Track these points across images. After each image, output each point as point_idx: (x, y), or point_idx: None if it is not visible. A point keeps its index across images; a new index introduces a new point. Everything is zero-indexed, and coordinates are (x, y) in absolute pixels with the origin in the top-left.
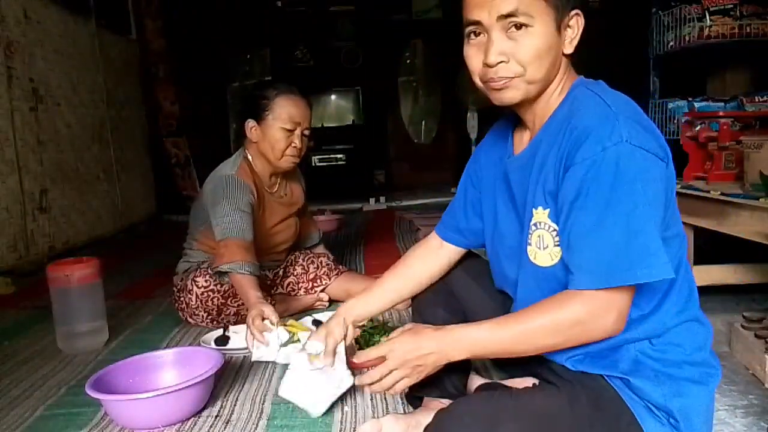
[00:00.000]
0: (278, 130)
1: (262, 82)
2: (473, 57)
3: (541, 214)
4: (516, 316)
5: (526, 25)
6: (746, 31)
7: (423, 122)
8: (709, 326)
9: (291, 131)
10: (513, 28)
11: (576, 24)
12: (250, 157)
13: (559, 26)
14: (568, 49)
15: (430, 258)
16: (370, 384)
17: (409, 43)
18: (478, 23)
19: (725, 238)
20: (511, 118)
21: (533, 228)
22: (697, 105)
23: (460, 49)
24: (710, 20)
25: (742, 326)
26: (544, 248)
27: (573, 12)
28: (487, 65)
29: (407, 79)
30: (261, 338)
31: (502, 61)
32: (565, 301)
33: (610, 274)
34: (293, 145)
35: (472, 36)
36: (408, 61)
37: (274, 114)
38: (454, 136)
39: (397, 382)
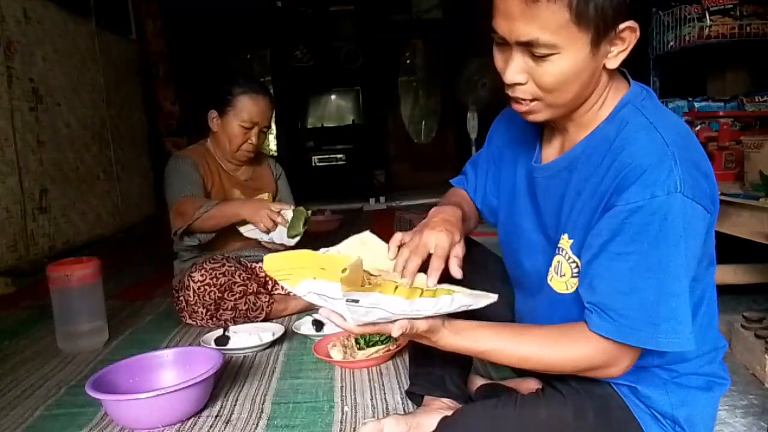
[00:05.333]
0: (237, 126)
1: (231, 75)
2: (498, 62)
3: (565, 242)
4: (535, 338)
5: (551, 54)
6: (746, 31)
7: (423, 122)
8: (724, 347)
9: (249, 129)
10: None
11: (628, 37)
12: (209, 143)
13: (598, 45)
14: (613, 64)
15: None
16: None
17: (409, 43)
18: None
19: (725, 238)
20: None
21: (555, 252)
22: (697, 105)
23: (460, 49)
24: (710, 20)
25: (742, 326)
26: (561, 275)
27: (624, 26)
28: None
29: (407, 79)
30: (280, 221)
31: (519, 83)
32: (583, 341)
33: (633, 332)
34: (249, 141)
35: (497, 39)
36: (408, 61)
37: (235, 110)
38: (454, 136)
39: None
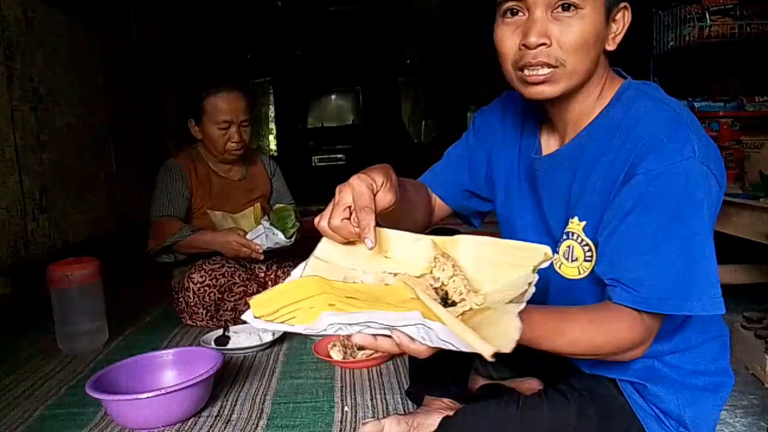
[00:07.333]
0: (214, 129)
1: (201, 81)
2: (508, 38)
3: (575, 225)
4: (575, 323)
5: (577, 7)
6: (746, 31)
7: (423, 122)
8: (728, 339)
9: (226, 128)
10: (560, 9)
11: (622, 18)
12: (200, 148)
13: (609, 16)
14: (611, 46)
15: (426, 203)
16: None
17: (409, 43)
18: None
19: (725, 237)
20: (536, 112)
21: (564, 237)
22: (697, 105)
23: (459, 48)
24: (710, 20)
25: (742, 326)
26: (572, 260)
27: (621, 5)
28: (525, 46)
29: (407, 79)
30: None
31: (543, 44)
32: (624, 320)
33: (665, 300)
34: (231, 139)
35: (509, 14)
36: (408, 61)
37: (207, 114)
38: (454, 136)
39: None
